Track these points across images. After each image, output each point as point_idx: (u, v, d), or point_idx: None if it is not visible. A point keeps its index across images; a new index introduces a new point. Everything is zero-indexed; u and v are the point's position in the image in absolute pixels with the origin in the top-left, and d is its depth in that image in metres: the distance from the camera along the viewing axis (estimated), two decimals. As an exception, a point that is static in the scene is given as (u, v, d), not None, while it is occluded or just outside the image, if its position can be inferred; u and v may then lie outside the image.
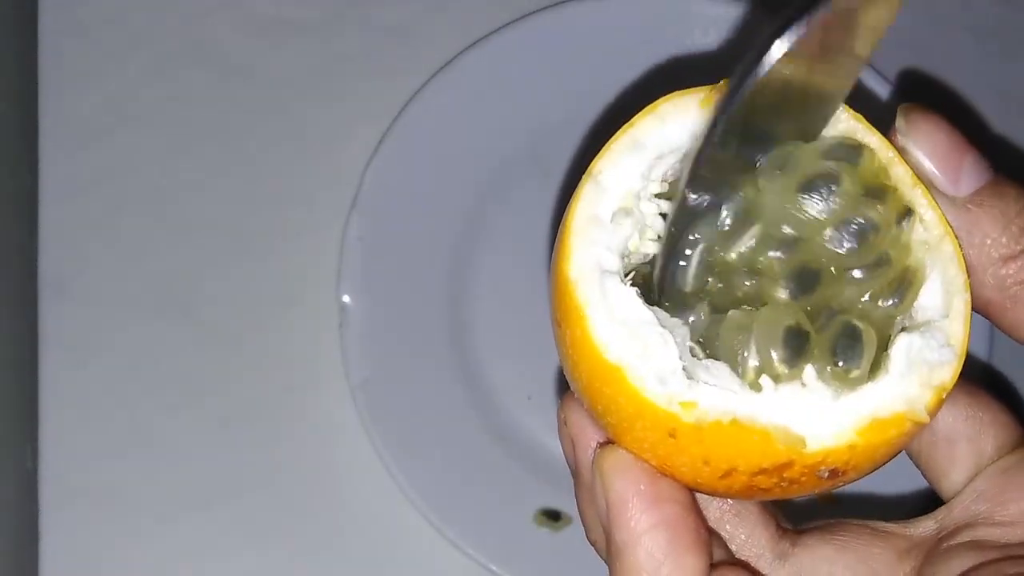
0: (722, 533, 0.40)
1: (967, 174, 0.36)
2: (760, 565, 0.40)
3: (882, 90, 0.73)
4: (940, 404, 0.35)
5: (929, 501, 0.41)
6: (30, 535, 0.69)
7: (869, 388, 0.34)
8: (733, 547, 0.40)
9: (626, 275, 0.35)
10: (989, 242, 0.36)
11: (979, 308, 0.37)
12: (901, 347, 0.35)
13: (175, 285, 0.73)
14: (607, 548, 0.36)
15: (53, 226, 0.74)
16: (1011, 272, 0.36)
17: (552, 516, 0.69)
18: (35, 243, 0.73)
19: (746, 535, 0.40)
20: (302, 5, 0.78)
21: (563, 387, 0.41)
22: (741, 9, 0.74)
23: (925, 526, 0.40)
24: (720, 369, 0.34)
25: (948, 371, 0.35)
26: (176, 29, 0.77)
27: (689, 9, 0.74)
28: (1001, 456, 0.39)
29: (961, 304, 0.35)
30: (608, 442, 0.37)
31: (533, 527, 0.68)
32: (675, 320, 0.35)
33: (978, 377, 0.69)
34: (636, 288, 0.35)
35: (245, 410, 0.72)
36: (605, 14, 0.74)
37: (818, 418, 0.34)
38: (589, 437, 0.38)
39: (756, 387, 0.34)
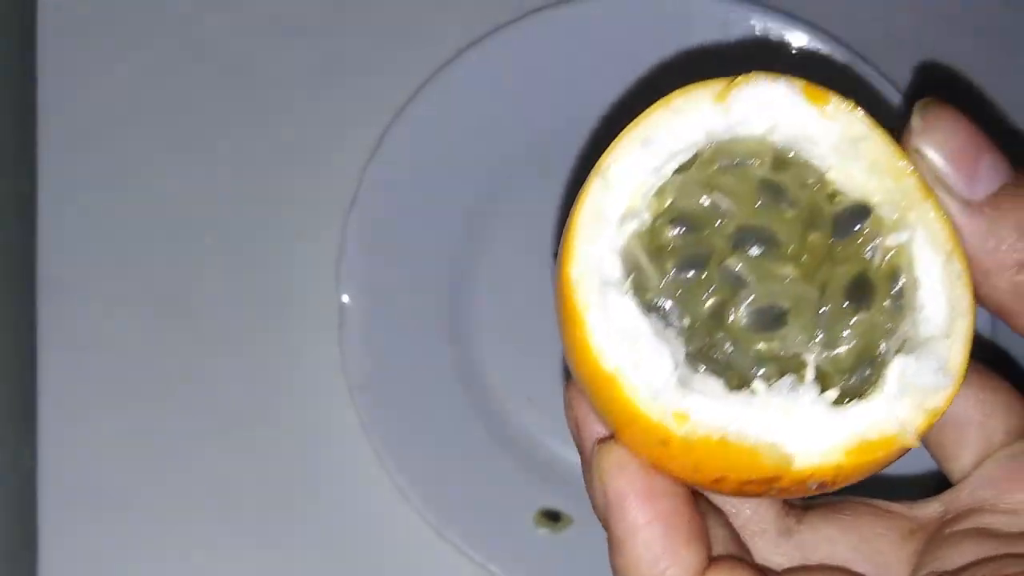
0: (727, 508, 0.40)
1: (984, 176, 0.36)
2: (764, 540, 0.40)
3: (890, 89, 0.73)
4: (931, 427, 0.35)
5: (943, 480, 0.41)
6: (28, 535, 0.69)
7: (861, 407, 0.34)
8: (738, 522, 0.40)
9: (628, 274, 0.35)
10: (1005, 247, 0.36)
11: (992, 311, 0.37)
12: (895, 369, 0.35)
13: (174, 285, 0.73)
14: (608, 541, 0.37)
15: (51, 226, 0.73)
16: None
17: (552, 517, 0.69)
18: (33, 243, 0.73)
19: (751, 510, 0.40)
20: (302, 5, 0.78)
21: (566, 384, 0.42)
22: (745, 8, 0.74)
23: (931, 508, 0.40)
24: (712, 383, 0.34)
25: (942, 397, 0.35)
26: (175, 29, 0.77)
27: (691, 8, 0.74)
28: (1011, 441, 0.39)
29: (963, 327, 0.35)
30: (607, 437, 0.37)
31: (533, 527, 0.68)
32: (671, 330, 0.35)
33: (988, 358, 0.69)
34: (635, 288, 0.35)
35: (244, 410, 0.72)
36: (606, 13, 0.74)
37: (807, 436, 0.34)
38: (590, 426, 0.38)
39: (749, 389, 0.34)
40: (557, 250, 0.37)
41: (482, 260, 0.73)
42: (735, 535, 0.40)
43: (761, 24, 0.74)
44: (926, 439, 0.40)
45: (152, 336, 0.72)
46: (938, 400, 0.35)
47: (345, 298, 0.70)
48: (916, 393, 0.34)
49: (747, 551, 0.40)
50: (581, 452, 0.39)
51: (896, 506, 0.40)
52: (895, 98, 0.73)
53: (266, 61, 0.77)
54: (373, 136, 0.73)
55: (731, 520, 0.40)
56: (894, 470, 0.65)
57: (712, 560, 0.36)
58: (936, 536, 0.39)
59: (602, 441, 0.37)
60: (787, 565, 0.40)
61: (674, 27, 0.74)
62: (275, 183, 0.75)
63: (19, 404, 0.71)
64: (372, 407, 0.68)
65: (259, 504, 0.70)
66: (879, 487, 0.38)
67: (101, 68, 0.76)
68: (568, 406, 0.39)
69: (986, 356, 0.69)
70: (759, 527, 0.40)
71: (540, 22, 0.74)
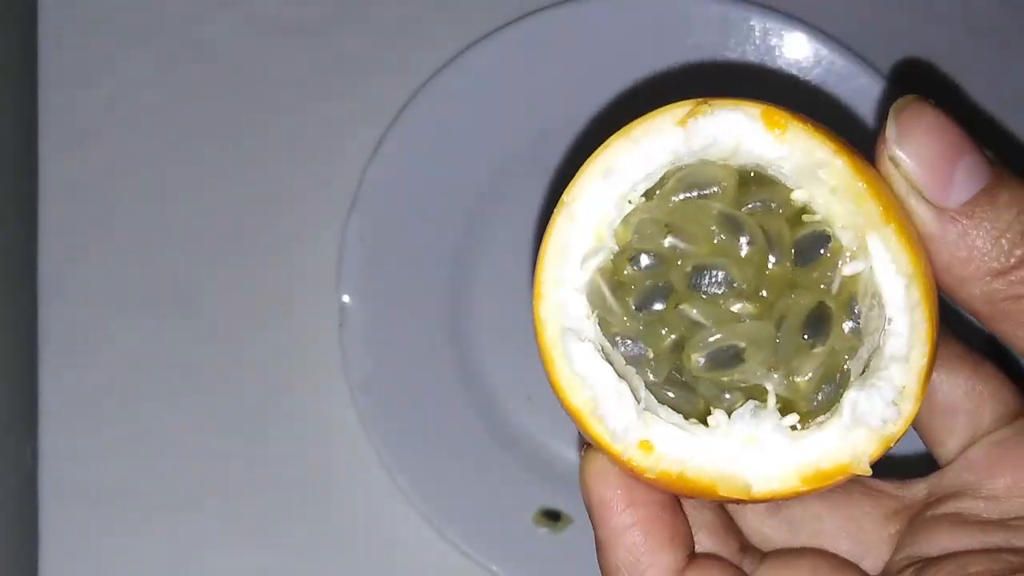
0: None
1: (960, 182, 0.36)
2: (755, 514, 0.41)
3: (878, 87, 0.73)
4: (886, 451, 0.36)
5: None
6: (29, 534, 0.69)
7: (817, 435, 0.35)
8: None
9: (593, 309, 0.36)
10: (978, 256, 0.36)
11: (970, 314, 0.37)
12: (849, 402, 0.35)
13: (174, 285, 0.73)
14: (595, 541, 0.39)
15: (52, 226, 0.73)
16: (1000, 287, 0.36)
17: (552, 516, 0.69)
18: (34, 243, 0.73)
19: None
20: (302, 5, 0.78)
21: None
22: (744, 8, 0.74)
23: (917, 489, 0.41)
24: (674, 416, 0.36)
25: (895, 426, 0.35)
26: (176, 29, 0.77)
27: (689, 9, 0.74)
28: (998, 428, 0.40)
29: (919, 355, 0.35)
30: (591, 444, 0.38)
31: (533, 527, 0.68)
32: (634, 363, 0.36)
33: (986, 350, 0.69)
34: (600, 322, 0.36)
35: (244, 410, 0.72)
36: (606, 13, 0.74)
37: (764, 465, 0.35)
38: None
39: (709, 424, 0.36)
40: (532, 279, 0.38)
41: (482, 260, 0.73)
42: (722, 516, 0.41)
43: (761, 24, 0.74)
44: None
45: (152, 336, 0.72)
46: (891, 429, 0.35)
47: (345, 298, 0.70)
48: (869, 423, 0.35)
49: (734, 531, 0.41)
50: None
51: (886, 485, 0.41)
52: (892, 98, 0.73)
53: (266, 61, 0.77)
54: (373, 136, 0.73)
55: None
56: (896, 453, 0.65)
57: (690, 559, 0.38)
58: (918, 518, 0.40)
59: (588, 447, 0.39)
60: (775, 538, 0.41)
61: (673, 27, 0.74)
62: (275, 183, 0.75)
63: (20, 404, 0.71)
64: (372, 407, 0.68)
65: (259, 504, 0.70)
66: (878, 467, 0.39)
67: (101, 68, 0.76)
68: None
69: (984, 348, 0.69)
70: None
71: (539, 22, 0.74)
